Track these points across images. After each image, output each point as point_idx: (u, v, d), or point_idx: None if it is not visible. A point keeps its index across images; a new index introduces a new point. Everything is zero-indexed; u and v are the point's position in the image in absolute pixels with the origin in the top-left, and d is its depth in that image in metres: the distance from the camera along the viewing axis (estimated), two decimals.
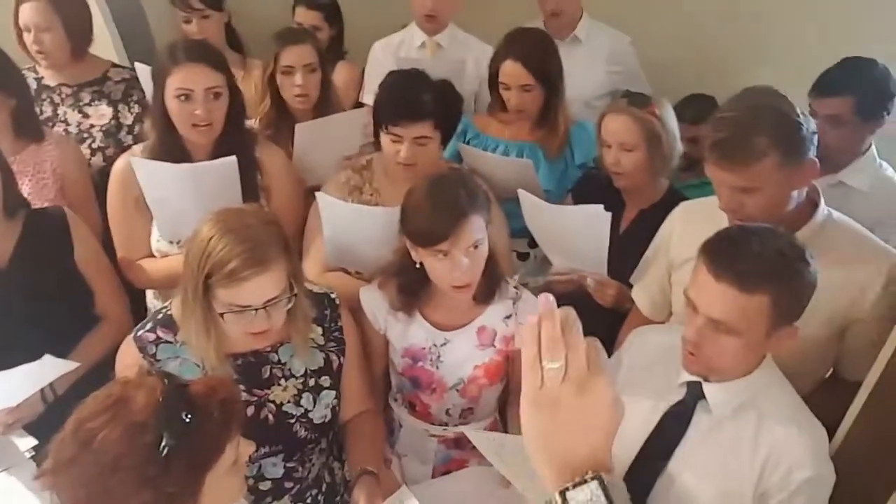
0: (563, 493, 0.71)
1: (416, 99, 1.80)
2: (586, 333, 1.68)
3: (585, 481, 0.71)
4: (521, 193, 1.90)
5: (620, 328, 1.92)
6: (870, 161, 2.10)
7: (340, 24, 2.84)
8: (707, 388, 1.36)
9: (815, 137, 1.45)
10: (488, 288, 1.62)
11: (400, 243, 1.63)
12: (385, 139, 1.84)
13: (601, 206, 1.78)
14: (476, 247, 1.52)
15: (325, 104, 2.31)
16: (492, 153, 2.22)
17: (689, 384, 1.39)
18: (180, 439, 1.03)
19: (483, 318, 1.67)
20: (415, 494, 1.43)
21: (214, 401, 1.09)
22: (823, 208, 1.55)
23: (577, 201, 2.12)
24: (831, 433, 1.39)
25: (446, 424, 1.76)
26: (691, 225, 1.71)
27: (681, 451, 1.39)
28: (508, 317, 1.67)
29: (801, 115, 1.44)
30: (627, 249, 1.92)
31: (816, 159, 1.46)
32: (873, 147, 2.11)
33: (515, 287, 1.70)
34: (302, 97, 2.25)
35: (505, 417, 1.84)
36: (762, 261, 1.22)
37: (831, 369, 1.64)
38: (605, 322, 1.94)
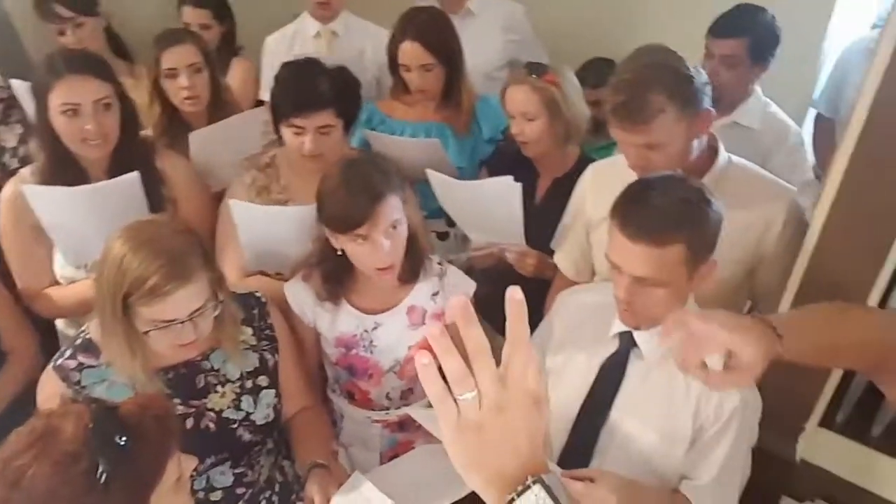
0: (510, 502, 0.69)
1: (313, 88, 1.77)
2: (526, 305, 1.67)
3: (529, 487, 0.70)
4: (430, 173, 1.91)
5: (545, 295, 1.96)
6: (757, 100, 2.24)
7: (231, 20, 2.75)
8: (638, 336, 1.42)
9: (708, 88, 1.52)
10: (412, 267, 1.63)
11: (319, 233, 1.61)
12: (287, 133, 1.81)
13: (510, 178, 1.81)
14: (395, 227, 1.51)
15: (218, 105, 2.24)
16: (399, 137, 2.21)
17: (621, 335, 1.45)
18: (117, 464, 1.00)
19: (411, 298, 1.67)
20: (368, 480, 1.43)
21: (148, 419, 1.06)
22: (724, 153, 1.62)
23: (491, 174, 2.15)
24: None
25: (388, 408, 1.76)
26: (603, 185, 1.75)
27: (620, 400, 1.45)
28: (436, 294, 1.69)
29: (692, 69, 1.50)
30: (545, 218, 1.95)
31: (711, 108, 1.53)
32: (758, 87, 2.23)
33: (439, 263, 1.71)
34: (191, 99, 2.16)
35: None
36: (668, 213, 1.27)
37: (748, 304, 1.73)
38: (530, 291, 1.97)
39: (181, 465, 1.11)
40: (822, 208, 1.35)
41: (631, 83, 1.47)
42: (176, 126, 2.20)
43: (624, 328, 1.43)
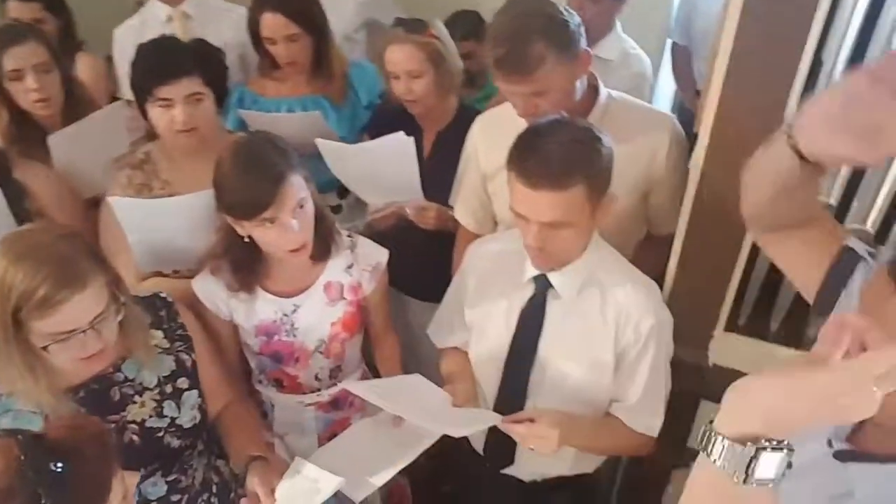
0: (759, 449, 0.71)
1: (173, 56, 1.70)
2: (420, 262, 1.71)
3: (786, 447, 0.72)
4: (320, 143, 1.87)
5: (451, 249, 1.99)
6: (617, 34, 2.36)
7: (66, 13, 2.52)
8: (552, 277, 1.46)
9: (582, 28, 1.56)
10: (323, 244, 1.59)
11: (220, 221, 1.54)
12: (155, 112, 1.71)
13: (401, 133, 1.80)
14: (302, 206, 1.47)
15: (73, 105, 2.07)
16: (278, 113, 2.14)
17: (535, 279, 1.48)
18: (59, 491, 0.93)
19: (326, 275, 1.64)
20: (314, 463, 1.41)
21: (83, 440, 0.99)
22: (604, 90, 1.69)
23: (374, 137, 2.13)
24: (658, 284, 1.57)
25: (319, 390, 1.74)
26: (492, 136, 1.78)
27: (544, 340, 1.50)
28: (350, 266, 1.66)
29: (565, 12, 1.54)
30: (435, 172, 1.96)
31: (588, 48, 1.59)
32: (618, 22, 2.35)
33: (349, 235, 1.68)
34: (42, 102, 1.99)
35: (374, 365, 1.85)
36: (564, 157, 1.30)
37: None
38: (434, 246, 2.00)
39: (124, 482, 1.05)
40: (704, 131, 1.44)
41: (510, 35, 1.49)
42: (28, 132, 2.01)
43: (537, 272, 1.47)
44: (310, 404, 1.74)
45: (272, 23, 2.07)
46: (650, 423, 1.50)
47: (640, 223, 1.79)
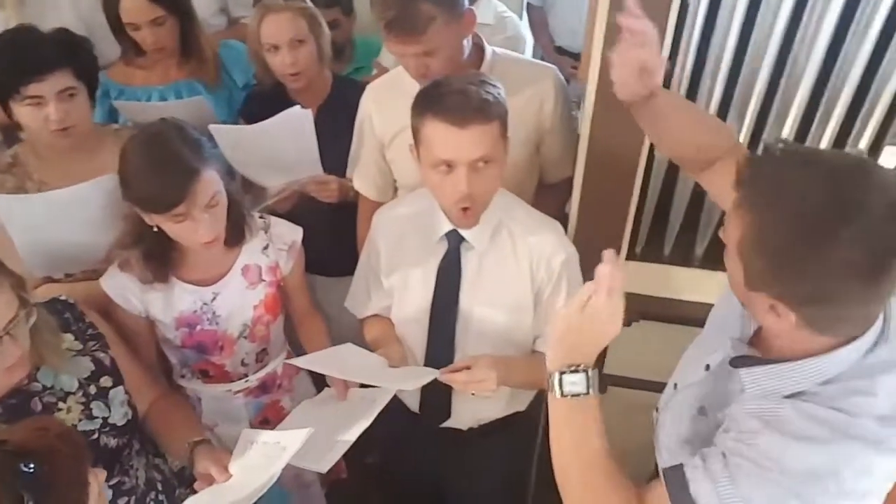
0: (562, 374, 1.10)
1: (38, 49, 1.59)
2: (322, 238, 1.65)
3: (581, 370, 1.10)
4: (214, 128, 1.80)
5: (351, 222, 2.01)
6: None
7: None
8: (464, 231, 1.52)
9: None
10: (237, 228, 1.56)
11: (127, 210, 1.47)
12: (24, 112, 1.60)
13: (297, 107, 1.80)
14: (215, 200, 1.44)
15: None
16: (158, 102, 2.04)
17: (448, 235, 1.53)
18: (38, 491, 0.90)
19: (243, 259, 1.61)
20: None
21: (52, 439, 0.95)
22: (489, 48, 1.76)
23: (250, 121, 2.09)
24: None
25: (246, 375, 1.71)
26: (385, 103, 1.81)
27: (464, 293, 1.55)
28: (266, 247, 1.65)
29: None
30: (323, 146, 1.94)
31: (472, 8, 1.65)
32: None
33: (261, 217, 1.66)
34: None
35: (297, 346, 1.85)
36: (478, 94, 1.36)
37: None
38: (334, 220, 2.01)
39: (98, 478, 1.02)
40: (591, 83, 1.55)
41: None
42: None
43: (450, 227, 1.52)
44: (238, 391, 1.72)
45: (134, 6, 1.97)
46: None
47: (534, 173, 1.88)
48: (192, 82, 2.14)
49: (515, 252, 1.54)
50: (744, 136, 1.57)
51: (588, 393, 1.09)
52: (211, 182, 1.42)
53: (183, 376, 1.71)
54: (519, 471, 2.02)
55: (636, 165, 1.63)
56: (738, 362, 1.09)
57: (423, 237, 1.57)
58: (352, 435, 1.40)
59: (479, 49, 1.75)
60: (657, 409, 1.51)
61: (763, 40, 1.44)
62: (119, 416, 1.39)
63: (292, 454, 1.29)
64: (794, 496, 0.93)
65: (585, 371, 1.09)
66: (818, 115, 1.52)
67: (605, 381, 1.97)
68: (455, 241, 1.54)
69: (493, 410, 1.70)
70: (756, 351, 1.11)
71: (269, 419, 1.77)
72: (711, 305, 1.51)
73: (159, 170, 1.37)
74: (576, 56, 2.82)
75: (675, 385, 1.33)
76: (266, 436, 1.36)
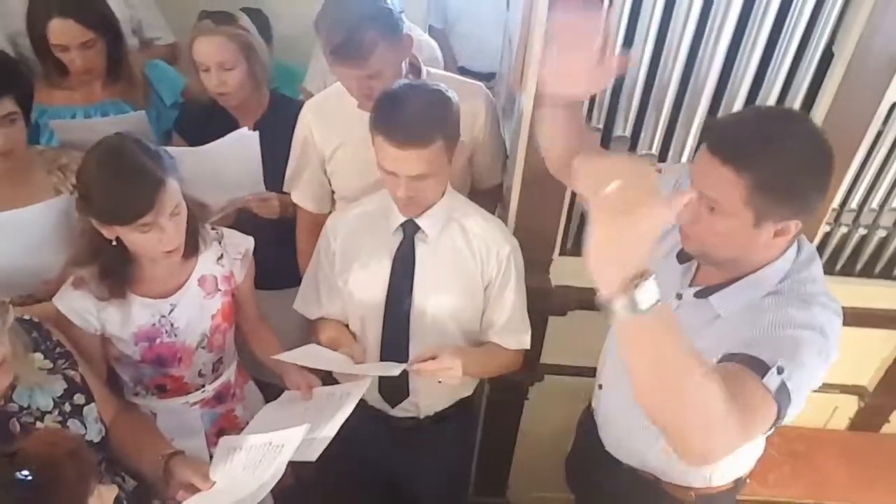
0: (631, 291, 0.85)
1: None
2: (261, 252, 1.76)
3: (642, 282, 0.86)
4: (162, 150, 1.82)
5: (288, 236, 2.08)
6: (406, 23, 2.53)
7: None
8: (419, 220, 1.62)
9: (403, 14, 1.73)
10: (192, 239, 1.58)
11: (83, 227, 1.48)
12: None
13: (245, 129, 1.86)
14: (177, 210, 1.47)
15: None
16: (96, 119, 2.02)
17: (403, 225, 1.63)
18: (35, 500, 0.92)
19: (199, 269, 1.64)
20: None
21: (59, 456, 0.97)
22: (424, 67, 1.89)
23: (185, 138, 2.11)
24: None
25: (203, 386, 1.73)
26: (325, 119, 1.89)
27: (418, 283, 1.65)
28: (221, 257, 1.68)
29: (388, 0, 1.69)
30: (262, 163, 2.00)
31: (409, 33, 1.76)
32: None
33: (213, 228, 1.69)
34: None
35: (244, 354, 1.88)
36: (424, 116, 1.47)
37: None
38: (273, 235, 2.05)
39: (102, 497, 1.04)
40: (528, 96, 1.70)
41: (344, 25, 1.60)
42: None
43: (405, 219, 1.62)
44: (195, 403, 1.73)
45: (63, 29, 1.95)
46: (521, 338, 1.75)
47: (466, 180, 2.01)
48: (119, 103, 2.13)
49: (467, 243, 1.66)
50: (656, 146, 1.77)
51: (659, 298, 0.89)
52: (175, 191, 1.45)
53: (136, 394, 1.70)
54: (465, 454, 2.13)
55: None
56: (702, 293, 1.31)
57: (378, 231, 1.66)
58: (331, 429, 1.47)
59: (415, 69, 1.87)
60: (600, 386, 1.67)
61: (672, 54, 1.65)
62: (95, 433, 1.39)
63: (293, 450, 1.34)
64: (822, 349, 1.16)
65: (650, 275, 0.87)
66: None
67: (542, 370, 2.12)
68: (410, 232, 1.64)
69: (448, 397, 1.80)
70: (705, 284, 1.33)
71: (224, 429, 1.78)
72: None
73: (126, 181, 1.39)
74: (477, 76, 2.98)
75: None
76: (253, 439, 1.40)
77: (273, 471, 1.32)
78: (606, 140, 1.78)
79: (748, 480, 1.64)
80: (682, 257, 1.39)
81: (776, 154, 1.13)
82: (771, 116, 1.23)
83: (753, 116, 1.24)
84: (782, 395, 1.08)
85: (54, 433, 1.04)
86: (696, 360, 0.95)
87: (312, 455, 1.42)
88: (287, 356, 1.62)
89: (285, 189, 2.04)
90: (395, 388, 1.76)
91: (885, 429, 2.31)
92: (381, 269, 1.66)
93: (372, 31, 1.61)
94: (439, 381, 1.58)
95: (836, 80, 1.67)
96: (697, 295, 1.34)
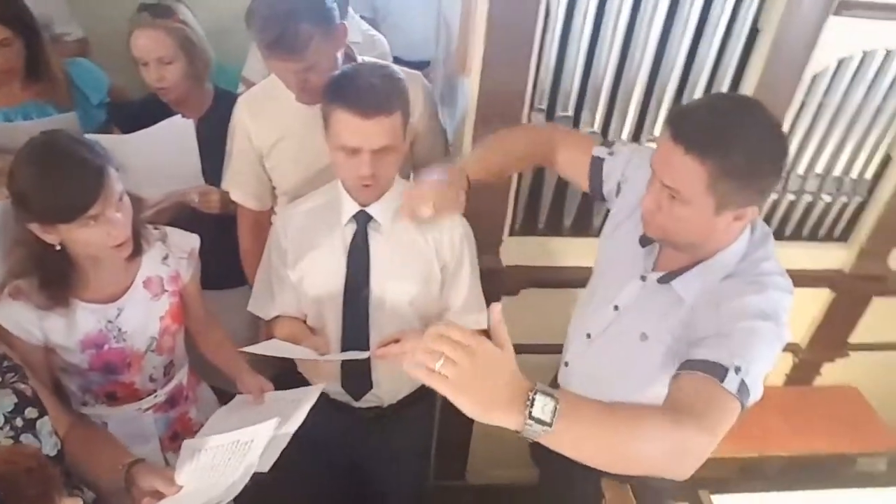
0: (529, 412, 0.89)
1: None
2: (206, 248, 1.79)
3: (533, 399, 0.89)
4: (91, 137, 1.74)
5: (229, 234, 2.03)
6: (353, 17, 2.47)
7: None
8: (372, 209, 1.61)
9: (336, 4, 1.69)
10: (136, 238, 1.53)
11: (20, 237, 1.41)
12: None
13: (178, 116, 1.79)
14: (121, 198, 1.42)
15: None
16: (23, 122, 1.92)
17: (356, 216, 1.62)
18: None
19: (144, 271, 1.58)
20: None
21: (19, 473, 0.93)
22: (359, 57, 1.86)
23: (125, 130, 2.03)
24: None
25: (155, 391, 1.67)
26: (260, 114, 1.85)
27: (374, 273, 1.64)
28: (166, 257, 1.62)
29: None
30: (205, 159, 1.95)
31: (343, 22, 1.73)
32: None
33: (156, 227, 1.64)
34: None
35: (196, 361, 1.83)
36: (384, 87, 1.47)
37: None
38: (214, 233, 2.00)
39: None
40: (474, 81, 1.72)
41: (277, 16, 1.56)
42: None
43: (357, 209, 1.61)
44: (147, 408, 1.67)
45: None
46: (479, 318, 1.75)
47: (407, 168, 2.02)
48: (41, 104, 2.03)
49: (419, 229, 1.65)
50: (598, 124, 1.81)
51: (558, 397, 0.92)
52: (117, 179, 1.40)
53: (85, 403, 1.63)
54: (426, 439, 2.14)
55: None
56: (665, 279, 1.36)
57: (330, 224, 1.64)
58: (287, 431, 1.45)
59: (350, 59, 1.84)
60: (566, 363, 1.71)
61: (609, 37, 1.69)
62: (50, 447, 1.32)
63: (263, 445, 1.32)
64: (775, 337, 1.23)
65: (535, 391, 0.91)
66: (651, 104, 1.82)
67: None
68: (363, 222, 1.62)
69: (411, 383, 1.81)
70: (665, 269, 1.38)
71: (178, 433, 1.74)
72: (583, 268, 1.76)
73: (66, 174, 1.33)
74: (409, 65, 2.97)
75: (588, 334, 1.55)
76: (218, 439, 1.36)
77: (243, 468, 1.30)
78: (550, 121, 1.82)
79: None
80: (644, 241, 1.43)
81: (737, 143, 1.17)
82: (730, 106, 1.26)
83: (714, 106, 1.27)
84: (742, 392, 1.15)
85: (11, 450, 0.99)
86: (624, 415, 1.01)
87: (265, 464, 1.40)
88: (252, 348, 1.59)
89: (224, 187, 1.99)
90: (358, 381, 1.75)
91: (817, 381, 2.45)
92: (335, 261, 1.65)
93: (306, 24, 1.58)
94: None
95: (763, 55, 1.75)
96: (660, 280, 1.38)
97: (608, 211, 1.61)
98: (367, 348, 1.65)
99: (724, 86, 1.80)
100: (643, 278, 1.43)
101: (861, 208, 2.11)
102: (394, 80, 1.50)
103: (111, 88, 2.17)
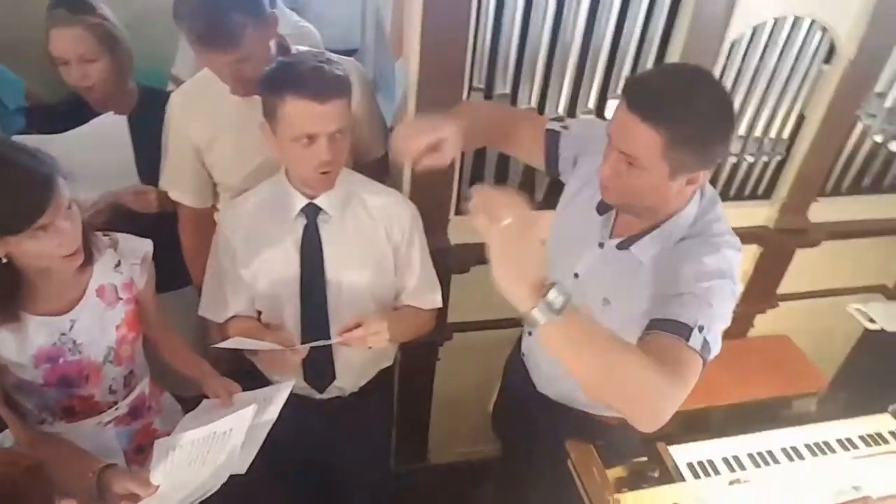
0: (542, 298, 1.01)
1: None
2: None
3: (550, 288, 1.02)
4: (19, 139, 1.67)
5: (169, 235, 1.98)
6: (283, 10, 2.45)
7: None
8: (320, 200, 1.61)
9: None
10: (86, 247, 1.48)
11: None
12: None
13: (111, 113, 1.75)
14: (70, 207, 1.37)
15: None
16: None
17: (304, 209, 1.62)
18: None
19: (96, 279, 1.53)
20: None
21: (18, 473, 0.91)
22: (293, 46, 1.84)
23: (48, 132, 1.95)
24: None
25: (116, 403, 1.62)
26: (197, 109, 1.81)
27: (329, 263, 1.65)
28: (118, 264, 1.57)
29: None
30: (136, 158, 1.90)
31: (274, 10, 1.72)
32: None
33: (105, 234, 1.58)
34: None
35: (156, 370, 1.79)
36: (332, 72, 1.47)
37: None
38: (159, 232, 1.95)
39: None
40: (413, 63, 1.73)
41: (207, 9, 1.54)
42: None
43: (305, 202, 1.61)
44: (108, 421, 1.62)
45: None
46: (433, 297, 1.80)
47: (349, 157, 2.02)
48: None
49: (369, 215, 1.67)
50: (534, 100, 1.86)
51: (570, 296, 1.04)
52: (65, 187, 1.35)
53: (42, 422, 1.56)
54: (387, 425, 2.17)
55: None
56: (623, 245, 1.43)
57: (278, 219, 1.63)
58: (259, 436, 1.45)
59: (283, 49, 1.82)
60: (529, 333, 1.76)
61: (540, 12, 1.75)
62: None
63: (244, 432, 1.31)
64: (731, 293, 1.31)
65: (553, 284, 1.02)
66: (584, 77, 1.89)
67: (450, 329, 2.19)
68: (312, 214, 1.62)
69: (372, 368, 1.83)
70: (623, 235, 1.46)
71: (143, 445, 1.70)
72: None
73: (12, 183, 1.27)
74: (336, 53, 2.95)
75: None
76: (193, 434, 1.34)
77: (226, 456, 1.29)
78: (488, 99, 1.86)
79: None
80: (602, 209, 1.49)
81: (690, 110, 1.23)
82: (683, 75, 1.32)
83: (668, 75, 1.34)
84: (705, 349, 1.23)
85: (11, 453, 0.96)
86: (616, 341, 1.10)
87: (242, 467, 1.39)
88: (228, 343, 1.58)
89: (162, 187, 1.94)
90: (321, 373, 1.76)
91: (751, 333, 2.60)
92: (289, 257, 1.64)
93: (237, 14, 1.56)
94: (369, 347, 1.60)
95: (685, 26, 1.84)
96: (619, 247, 1.45)
97: (551, 184, 1.66)
98: (328, 337, 1.66)
99: (650, 56, 1.88)
100: (601, 245, 1.49)
101: (781, 166, 2.25)
102: (336, 65, 1.50)
103: (27, 92, 2.08)
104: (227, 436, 1.33)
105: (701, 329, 1.22)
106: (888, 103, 2.21)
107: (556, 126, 1.62)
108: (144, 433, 1.71)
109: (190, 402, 1.83)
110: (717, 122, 1.27)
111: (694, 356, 1.21)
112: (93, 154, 1.73)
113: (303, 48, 1.87)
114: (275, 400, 1.51)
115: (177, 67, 2.37)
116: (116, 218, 1.88)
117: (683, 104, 1.23)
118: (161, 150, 1.90)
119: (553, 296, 1.01)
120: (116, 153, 1.76)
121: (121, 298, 1.57)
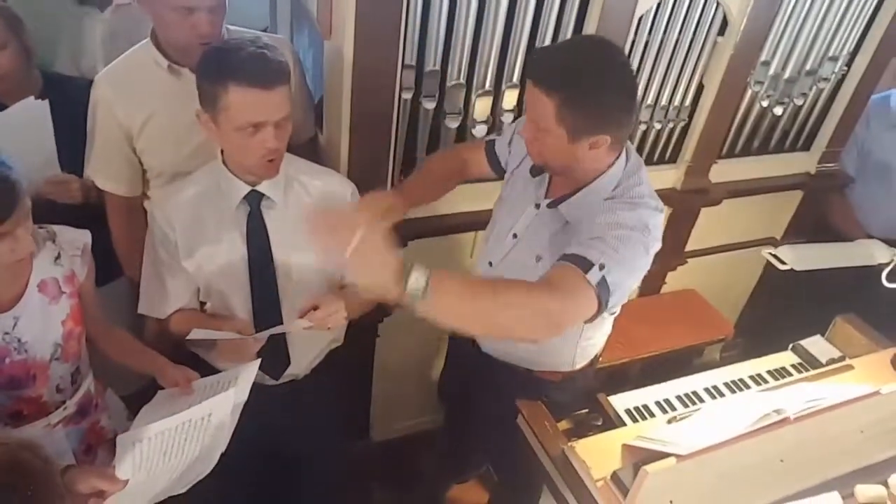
0: (405, 283, 1.13)
1: None
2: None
3: (408, 274, 1.14)
4: None
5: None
6: None
7: None
8: (262, 188, 1.60)
9: None
10: None
11: None
12: None
13: (31, 98, 1.68)
14: (27, 215, 1.33)
15: None
16: None
17: (247, 196, 1.60)
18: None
19: (36, 275, 1.47)
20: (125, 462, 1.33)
21: (14, 450, 0.91)
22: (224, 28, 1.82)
23: None
24: None
25: (63, 402, 1.57)
26: (128, 89, 1.76)
27: (276, 248, 1.65)
28: (58, 257, 1.52)
29: None
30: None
31: None
32: None
33: (40, 227, 1.52)
34: None
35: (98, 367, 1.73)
36: (276, 57, 1.46)
37: None
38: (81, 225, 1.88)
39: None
40: (348, 44, 1.75)
41: None
42: None
43: (247, 189, 1.59)
44: (57, 423, 1.57)
45: None
46: None
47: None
48: None
49: (311, 198, 1.67)
50: (463, 75, 1.93)
51: (430, 273, 1.16)
52: (27, 194, 1.32)
53: None
54: (338, 403, 2.18)
55: (391, 116, 1.90)
56: (554, 204, 1.54)
57: (220, 208, 1.61)
58: (234, 417, 1.44)
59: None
60: None
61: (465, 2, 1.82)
62: None
63: (228, 413, 1.30)
64: (642, 245, 1.41)
65: (410, 268, 1.15)
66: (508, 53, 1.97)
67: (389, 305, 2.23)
68: (255, 201, 1.61)
69: (321, 347, 1.85)
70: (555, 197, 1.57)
71: (92, 445, 1.66)
72: (465, 213, 1.93)
73: None
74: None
75: (490, 263, 1.68)
76: (160, 425, 1.30)
77: (209, 439, 1.29)
78: (420, 76, 1.91)
79: (600, 357, 1.93)
80: (535, 171, 1.60)
81: (580, 76, 1.33)
82: (581, 46, 1.44)
83: (566, 47, 1.47)
84: (602, 288, 1.33)
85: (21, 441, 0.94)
86: (493, 283, 1.24)
87: (212, 460, 1.40)
88: (196, 333, 1.54)
89: (88, 175, 1.87)
90: (275, 360, 1.75)
91: (664, 289, 2.80)
92: (233, 245, 1.62)
93: None
94: (328, 328, 1.61)
95: (599, 2, 1.95)
96: (550, 206, 1.56)
97: None
98: (281, 323, 1.66)
99: (569, 31, 1.98)
100: (537, 206, 1.60)
101: (685, 132, 2.43)
102: (276, 50, 1.49)
103: None
104: (206, 421, 1.32)
105: (602, 268, 1.33)
106: (772, 71, 2.43)
107: (491, 137, 1.81)
108: (92, 432, 1.67)
109: (129, 399, 1.80)
110: (609, 89, 1.35)
111: (587, 288, 1.31)
112: (12, 143, 1.63)
113: (234, 28, 1.84)
114: (241, 381, 1.50)
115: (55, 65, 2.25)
116: (37, 211, 1.80)
117: (573, 71, 1.34)
118: (76, 136, 1.82)
119: (413, 282, 1.13)
120: (37, 142, 1.67)
121: (64, 292, 1.52)
